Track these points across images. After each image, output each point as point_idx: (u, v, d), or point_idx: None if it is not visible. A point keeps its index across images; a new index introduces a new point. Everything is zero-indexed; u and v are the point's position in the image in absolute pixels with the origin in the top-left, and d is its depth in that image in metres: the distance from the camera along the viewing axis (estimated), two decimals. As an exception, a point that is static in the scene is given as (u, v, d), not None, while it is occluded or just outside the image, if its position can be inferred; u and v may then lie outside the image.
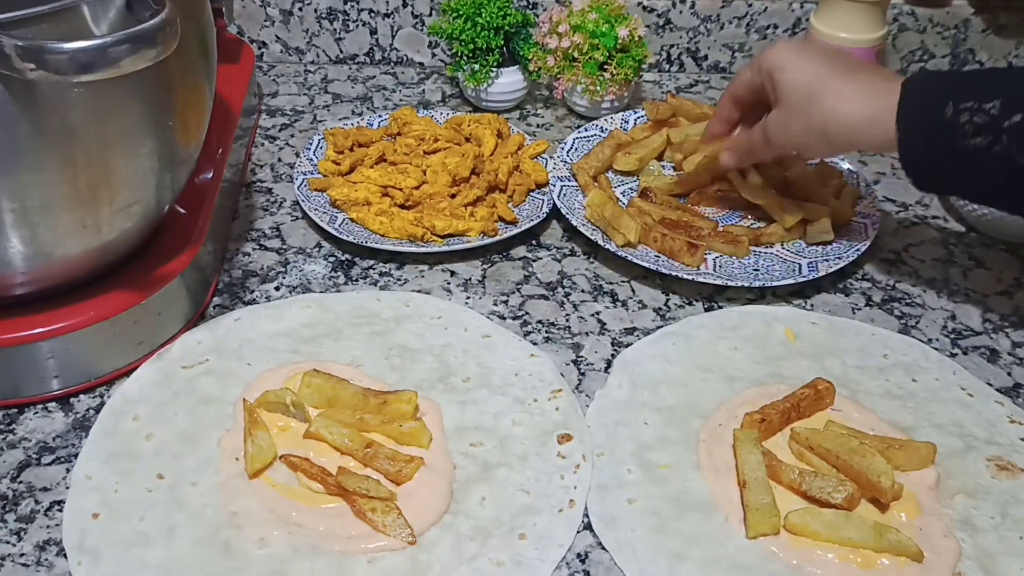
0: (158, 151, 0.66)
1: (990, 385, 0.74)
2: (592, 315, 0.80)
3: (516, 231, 0.86)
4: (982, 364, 0.76)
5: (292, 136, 1.02)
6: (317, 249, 0.86)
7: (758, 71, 0.80)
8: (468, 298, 0.81)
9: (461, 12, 1.01)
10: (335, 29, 1.12)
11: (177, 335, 0.75)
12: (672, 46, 1.14)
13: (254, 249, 0.86)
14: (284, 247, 0.86)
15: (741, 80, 0.83)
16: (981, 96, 0.68)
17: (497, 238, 0.85)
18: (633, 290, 0.83)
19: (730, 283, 0.80)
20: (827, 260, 0.83)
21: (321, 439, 0.65)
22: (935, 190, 0.81)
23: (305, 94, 1.09)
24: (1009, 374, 0.75)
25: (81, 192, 0.63)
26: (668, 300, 0.82)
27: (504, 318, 0.79)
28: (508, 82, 1.04)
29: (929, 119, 0.69)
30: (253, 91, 1.02)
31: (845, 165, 0.94)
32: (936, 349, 0.77)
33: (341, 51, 1.14)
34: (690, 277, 0.80)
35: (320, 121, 1.04)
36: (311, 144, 0.95)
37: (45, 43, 0.53)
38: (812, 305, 0.82)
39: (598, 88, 1.01)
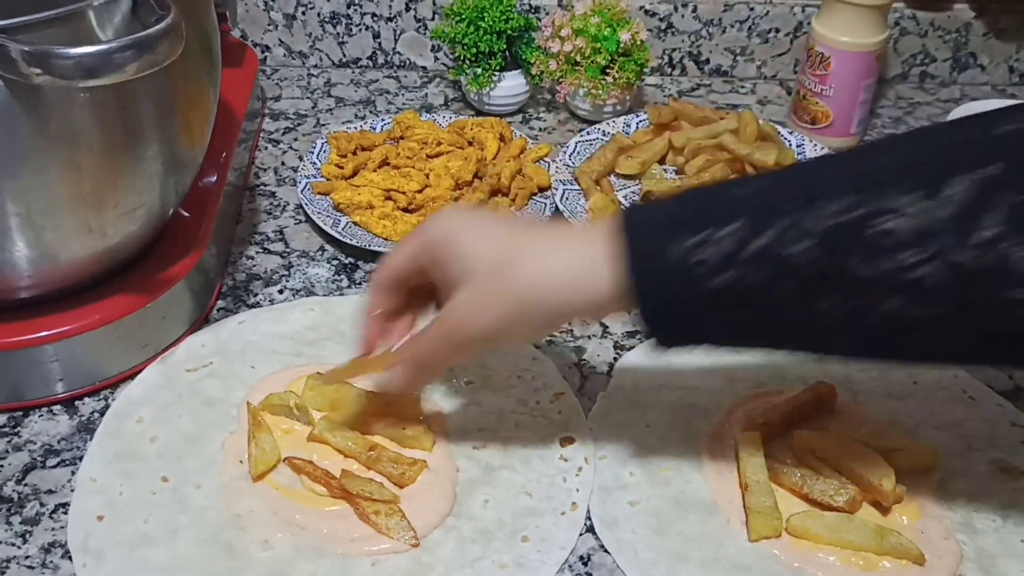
0: (162, 155, 0.66)
1: (991, 388, 0.74)
2: (594, 318, 0.80)
3: (518, 234, 0.86)
4: (984, 367, 0.76)
5: (295, 140, 1.02)
6: (320, 252, 0.86)
7: (415, 250, 0.60)
8: (471, 301, 0.81)
9: (464, 16, 1.02)
10: (338, 33, 1.13)
11: (181, 338, 0.75)
12: (674, 50, 1.14)
13: (258, 252, 0.86)
14: (287, 250, 0.86)
15: (400, 257, 0.61)
16: (717, 220, 0.51)
17: (499, 241, 0.85)
18: (635, 293, 0.83)
19: (732, 286, 0.80)
20: (829, 263, 0.83)
21: (325, 442, 0.65)
22: (688, 344, 0.56)
23: (308, 98, 1.09)
24: (1011, 377, 0.75)
25: (85, 195, 0.63)
26: (670, 303, 0.82)
27: (506, 321, 0.79)
28: (510, 86, 1.04)
29: (657, 265, 0.52)
30: (256, 95, 1.03)
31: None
32: (937, 352, 0.77)
33: (344, 55, 1.14)
34: (692, 280, 0.80)
35: (323, 125, 1.05)
36: (314, 148, 0.95)
37: (51, 48, 0.53)
38: (814, 308, 0.82)
39: (600, 92, 1.01)
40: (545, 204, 0.90)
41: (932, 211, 0.48)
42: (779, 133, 0.97)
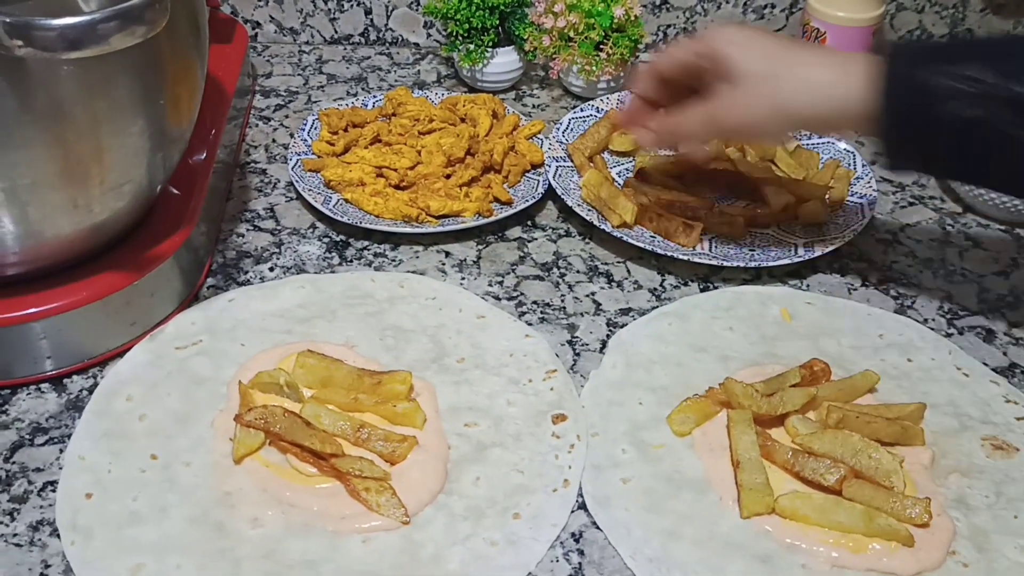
0: (149, 130, 0.65)
1: (986, 365, 0.73)
2: (587, 295, 0.80)
3: (511, 212, 0.85)
4: (978, 344, 0.76)
5: (287, 117, 1.01)
6: (311, 230, 0.86)
7: (700, 49, 0.71)
8: (463, 279, 0.81)
9: (456, -9, 1.01)
10: (330, 9, 1.12)
11: (171, 316, 0.74)
12: (669, 26, 1.13)
13: (248, 230, 0.85)
14: (278, 228, 0.86)
15: (673, 56, 0.73)
16: (970, 62, 0.62)
17: (492, 219, 0.85)
18: (628, 270, 0.82)
19: (725, 263, 0.79)
20: (823, 240, 0.83)
21: (313, 425, 0.64)
22: (911, 166, 0.71)
23: (300, 75, 1.08)
24: (1005, 354, 0.75)
25: (71, 171, 0.62)
26: (663, 280, 0.81)
27: (499, 299, 0.79)
28: (504, 62, 1.03)
29: (911, 86, 0.64)
30: (247, 72, 1.02)
31: (842, 145, 0.93)
32: (932, 329, 0.77)
33: (336, 31, 1.13)
34: (685, 257, 0.80)
35: (315, 102, 1.04)
36: (305, 125, 0.94)
37: (33, 19, 0.52)
38: (808, 285, 0.81)
39: (594, 68, 1.00)
40: (538, 181, 0.89)
41: None
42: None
